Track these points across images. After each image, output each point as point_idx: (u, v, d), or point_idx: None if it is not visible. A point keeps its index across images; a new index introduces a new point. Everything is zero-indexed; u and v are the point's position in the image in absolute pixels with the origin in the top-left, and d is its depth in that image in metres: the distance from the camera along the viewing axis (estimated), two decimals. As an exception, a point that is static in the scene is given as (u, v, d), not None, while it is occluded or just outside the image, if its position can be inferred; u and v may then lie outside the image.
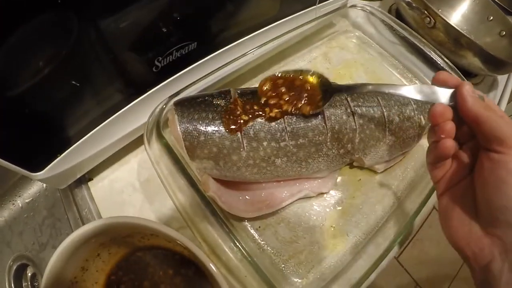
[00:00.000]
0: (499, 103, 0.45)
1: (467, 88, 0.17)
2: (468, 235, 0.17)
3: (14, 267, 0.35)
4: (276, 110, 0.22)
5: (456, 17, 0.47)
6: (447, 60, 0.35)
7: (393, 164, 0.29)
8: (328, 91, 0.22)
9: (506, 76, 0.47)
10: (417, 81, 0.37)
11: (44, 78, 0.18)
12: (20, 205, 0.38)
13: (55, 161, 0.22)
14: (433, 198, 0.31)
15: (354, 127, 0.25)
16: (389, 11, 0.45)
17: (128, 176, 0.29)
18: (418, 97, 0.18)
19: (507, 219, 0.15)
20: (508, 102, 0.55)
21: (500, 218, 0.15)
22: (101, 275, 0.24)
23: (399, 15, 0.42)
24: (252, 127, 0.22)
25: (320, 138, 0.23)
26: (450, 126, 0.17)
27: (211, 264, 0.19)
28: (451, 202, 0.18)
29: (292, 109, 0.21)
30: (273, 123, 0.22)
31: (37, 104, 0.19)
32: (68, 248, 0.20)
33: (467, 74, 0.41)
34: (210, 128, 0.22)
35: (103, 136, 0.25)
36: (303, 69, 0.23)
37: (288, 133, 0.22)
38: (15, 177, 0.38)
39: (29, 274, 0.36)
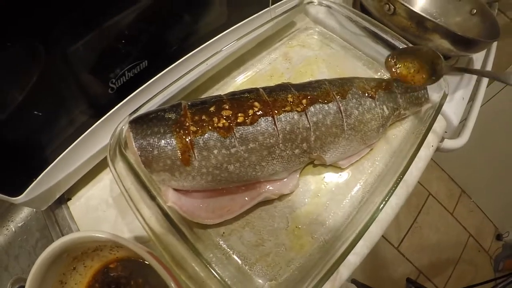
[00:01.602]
0: (478, 84, 0.44)
1: None
2: None
3: (13, 290, 0.36)
4: (224, 121, 0.23)
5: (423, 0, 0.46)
6: (412, 46, 0.35)
7: (359, 159, 0.30)
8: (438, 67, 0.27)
9: (483, 54, 0.46)
10: (382, 71, 0.37)
11: (11, 107, 0.20)
12: (14, 229, 0.40)
13: (32, 184, 0.24)
14: (404, 187, 0.31)
15: (308, 125, 0.25)
16: (354, 2, 0.45)
17: (102, 193, 0.30)
18: None
19: None
20: (489, 84, 0.54)
21: None
22: (80, 287, 0.26)
23: (363, 6, 0.42)
24: (202, 137, 0.23)
25: (271, 140, 0.24)
26: None
27: (170, 281, 0.20)
28: None
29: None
30: (222, 131, 0.23)
31: (8, 133, 0.21)
32: (42, 265, 0.21)
33: (439, 57, 0.40)
34: (162, 142, 0.23)
35: (73, 157, 0.27)
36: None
37: (237, 139, 0.23)
38: (6, 203, 0.41)
39: (28, 296, 0.37)
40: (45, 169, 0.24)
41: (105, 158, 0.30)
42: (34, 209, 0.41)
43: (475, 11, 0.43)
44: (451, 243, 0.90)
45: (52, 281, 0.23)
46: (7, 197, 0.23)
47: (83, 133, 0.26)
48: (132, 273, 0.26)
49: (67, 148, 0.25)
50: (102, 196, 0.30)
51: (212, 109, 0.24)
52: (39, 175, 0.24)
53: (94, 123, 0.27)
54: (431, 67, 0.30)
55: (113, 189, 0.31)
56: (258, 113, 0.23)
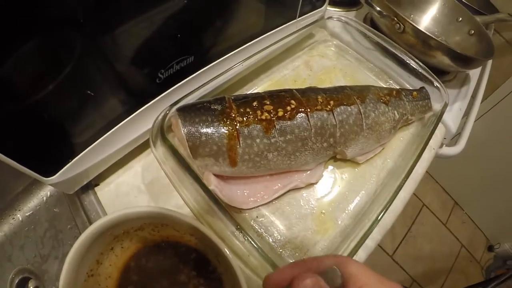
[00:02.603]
0: (473, 98, 0.53)
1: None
2: None
3: (16, 281, 0.38)
4: (266, 114, 0.28)
5: (427, 20, 0.55)
6: (417, 61, 0.42)
7: (373, 156, 0.36)
8: None
9: (478, 71, 0.55)
10: (391, 81, 0.44)
11: (57, 87, 0.21)
12: (20, 219, 0.41)
13: (66, 166, 0.26)
14: (411, 183, 0.37)
15: (334, 123, 0.31)
16: (365, 19, 0.53)
17: (133, 180, 0.34)
18: None
19: None
20: (483, 100, 0.63)
21: None
22: (114, 269, 0.28)
23: (373, 22, 0.50)
24: (247, 127, 0.28)
25: (305, 133, 0.29)
26: None
27: (225, 248, 0.23)
28: None
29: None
30: (264, 122, 0.28)
31: (50, 113, 0.23)
32: (87, 239, 0.22)
33: (439, 72, 0.48)
34: (210, 130, 0.28)
35: (110, 143, 0.29)
36: None
37: (277, 131, 0.28)
38: (14, 191, 0.42)
39: (31, 287, 0.39)
40: (81, 152, 0.27)
41: (137, 147, 0.34)
42: (45, 199, 0.43)
43: (473, 31, 0.52)
44: (444, 253, 0.99)
45: (91, 259, 0.24)
46: (40, 176, 0.24)
47: (124, 119, 0.29)
48: (166, 258, 0.29)
49: (106, 132, 0.28)
50: (134, 183, 0.34)
51: (255, 103, 0.29)
52: (75, 157, 0.26)
53: (136, 110, 0.30)
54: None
55: (145, 176, 0.34)
56: (295, 109, 0.29)
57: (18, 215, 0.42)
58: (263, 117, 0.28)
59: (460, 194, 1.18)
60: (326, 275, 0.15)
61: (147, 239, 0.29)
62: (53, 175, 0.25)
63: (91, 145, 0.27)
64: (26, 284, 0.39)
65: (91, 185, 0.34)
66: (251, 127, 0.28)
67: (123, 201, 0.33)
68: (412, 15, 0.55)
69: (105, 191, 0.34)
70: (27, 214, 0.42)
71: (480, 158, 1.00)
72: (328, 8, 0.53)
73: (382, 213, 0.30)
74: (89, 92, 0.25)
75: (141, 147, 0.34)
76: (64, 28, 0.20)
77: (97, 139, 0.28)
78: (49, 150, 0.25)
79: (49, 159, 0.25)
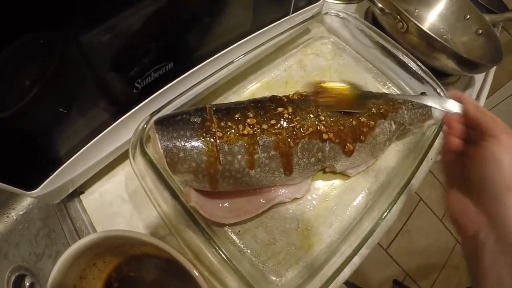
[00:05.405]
0: (477, 99, 0.48)
1: (471, 100, 0.25)
2: (463, 210, 0.23)
3: (13, 278, 0.38)
4: (249, 128, 0.25)
5: (433, 16, 0.50)
6: (419, 64, 0.38)
7: (365, 168, 0.33)
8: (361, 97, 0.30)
9: (483, 73, 0.50)
10: (390, 84, 0.40)
11: (33, 100, 0.20)
12: (15, 217, 0.41)
13: (49, 179, 0.25)
14: (404, 196, 0.34)
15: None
16: (366, 14, 0.48)
17: (117, 189, 0.32)
18: (436, 106, 0.26)
19: (490, 189, 0.21)
20: (488, 96, 0.59)
21: (485, 189, 0.21)
22: (97, 282, 0.27)
23: (375, 18, 0.45)
24: (227, 142, 0.25)
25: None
26: (460, 127, 0.25)
27: (194, 270, 0.22)
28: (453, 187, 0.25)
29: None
30: (246, 138, 0.25)
31: (28, 126, 0.22)
32: (68, 259, 0.23)
33: (443, 74, 0.44)
34: (188, 145, 0.25)
35: (92, 153, 0.28)
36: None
37: (260, 146, 0.26)
38: (8, 191, 0.41)
39: (27, 284, 0.39)
40: (62, 164, 0.25)
41: (121, 154, 0.32)
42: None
43: (481, 31, 0.47)
44: (439, 248, 0.97)
45: (73, 276, 0.24)
46: (22, 190, 0.23)
47: (104, 130, 0.28)
48: (149, 269, 0.28)
49: (86, 144, 0.27)
50: (117, 192, 0.32)
51: (237, 116, 0.26)
52: (56, 170, 0.25)
53: (115, 121, 0.28)
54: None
55: (129, 185, 0.33)
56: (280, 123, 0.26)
57: (12, 214, 0.41)
58: (245, 132, 0.25)
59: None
60: None
61: (127, 253, 0.28)
62: (35, 189, 0.24)
63: (71, 157, 0.26)
64: (23, 281, 0.39)
65: (76, 193, 0.33)
66: (232, 143, 0.25)
67: (107, 211, 0.32)
68: (417, 10, 0.50)
69: (90, 200, 0.32)
70: (20, 213, 0.41)
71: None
72: (327, 0, 0.48)
73: (372, 231, 0.28)
74: (61, 109, 0.23)
75: (125, 155, 0.32)
76: (36, 37, 0.18)
77: (78, 152, 0.26)
78: (29, 165, 0.23)
79: (30, 174, 0.24)
